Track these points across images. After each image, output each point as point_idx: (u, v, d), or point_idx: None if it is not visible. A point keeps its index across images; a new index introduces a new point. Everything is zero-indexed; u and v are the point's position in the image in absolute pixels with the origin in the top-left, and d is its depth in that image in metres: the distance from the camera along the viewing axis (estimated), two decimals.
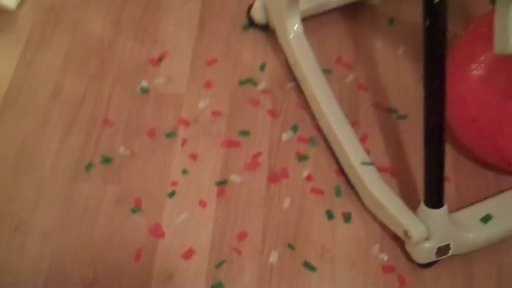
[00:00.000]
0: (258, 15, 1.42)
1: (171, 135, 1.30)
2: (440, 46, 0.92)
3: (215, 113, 1.33)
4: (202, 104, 1.34)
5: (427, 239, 1.08)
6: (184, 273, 1.14)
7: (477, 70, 1.14)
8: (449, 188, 1.22)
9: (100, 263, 1.14)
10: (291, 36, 1.34)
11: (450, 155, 1.26)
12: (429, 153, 1.02)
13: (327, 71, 1.37)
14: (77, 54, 1.43)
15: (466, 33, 1.22)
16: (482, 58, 1.14)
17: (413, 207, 1.11)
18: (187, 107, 1.34)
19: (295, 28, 1.34)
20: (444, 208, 1.06)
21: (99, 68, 1.41)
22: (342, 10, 1.49)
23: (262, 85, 1.38)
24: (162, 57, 1.42)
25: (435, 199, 1.06)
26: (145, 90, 1.36)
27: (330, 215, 1.20)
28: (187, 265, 1.14)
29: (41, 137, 1.30)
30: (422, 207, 1.08)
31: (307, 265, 1.14)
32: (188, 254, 1.15)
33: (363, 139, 1.28)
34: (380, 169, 1.22)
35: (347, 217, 1.20)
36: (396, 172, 1.25)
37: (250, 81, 1.38)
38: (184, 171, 1.25)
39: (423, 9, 0.89)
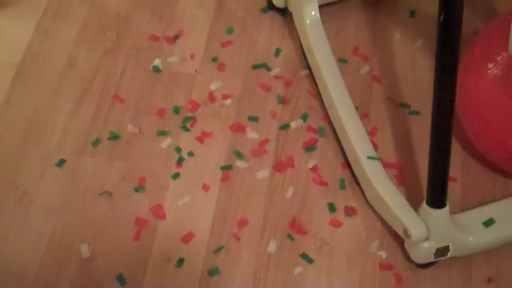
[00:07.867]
0: None
1: (180, 115, 1.30)
2: (454, 42, 0.89)
3: (226, 96, 1.33)
4: (213, 86, 1.34)
5: (426, 239, 1.07)
6: (182, 257, 1.14)
7: (492, 70, 1.12)
8: (455, 189, 1.20)
9: (99, 240, 1.15)
10: (307, 23, 1.32)
11: (459, 155, 1.25)
12: (435, 151, 1.01)
13: (342, 61, 1.36)
14: (93, 26, 1.43)
15: (484, 31, 1.20)
16: (498, 58, 1.11)
17: (417, 206, 1.10)
18: (199, 88, 1.34)
19: (312, 14, 1.32)
20: (446, 209, 1.05)
21: (114, 42, 1.40)
22: None
23: (275, 71, 1.36)
24: (177, 36, 1.41)
25: (437, 199, 1.05)
26: (157, 69, 1.36)
27: (332, 208, 1.19)
28: (185, 249, 1.15)
29: (52, 108, 1.31)
30: (424, 206, 1.06)
31: (305, 257, 1.14)
32: (188, 238, 1.15)
33: (372, 133, 1.27)
34: (387, 165, 1.21)
35: (349, 211, 1.19)
36: (403, 169, 1.24)
37: (264, 66, 1.37)
38: (190, 153, 1.25)
39: (439, 2, 0.86)
